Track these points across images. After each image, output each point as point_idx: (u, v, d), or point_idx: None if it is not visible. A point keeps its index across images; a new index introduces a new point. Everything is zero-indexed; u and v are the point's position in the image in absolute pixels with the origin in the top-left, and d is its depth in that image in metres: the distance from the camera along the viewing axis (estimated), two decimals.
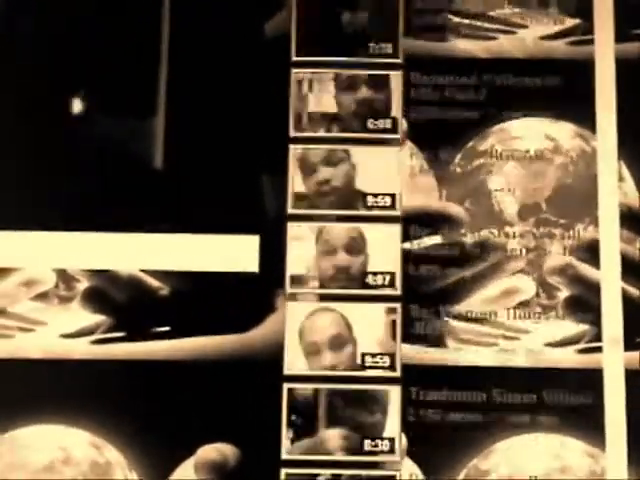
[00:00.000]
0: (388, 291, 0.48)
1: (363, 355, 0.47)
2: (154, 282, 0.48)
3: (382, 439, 0.46)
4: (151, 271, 0.48)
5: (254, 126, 0.49)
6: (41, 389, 0.47)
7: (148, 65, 0.50)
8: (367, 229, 0.48)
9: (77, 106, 0.50)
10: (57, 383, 0.47)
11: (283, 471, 0.46)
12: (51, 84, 0.50)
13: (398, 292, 0.48)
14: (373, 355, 0.47)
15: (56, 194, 0.49)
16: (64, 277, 0.48)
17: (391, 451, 0.46)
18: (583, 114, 0.49)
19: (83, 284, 0.48)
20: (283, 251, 0.48)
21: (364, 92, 0.49)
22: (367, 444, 0.46)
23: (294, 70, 0.49)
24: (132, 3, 0.50)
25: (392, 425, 0.46)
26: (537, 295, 0.48)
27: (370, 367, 0.47)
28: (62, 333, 0.48)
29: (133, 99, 0.50)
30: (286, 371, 0.47)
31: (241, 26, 0.50)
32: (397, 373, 0.47)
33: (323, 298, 0.48)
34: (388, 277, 0.47)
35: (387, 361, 0.47)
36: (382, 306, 0.47)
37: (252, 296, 0.48)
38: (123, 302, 0.48)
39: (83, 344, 0.48)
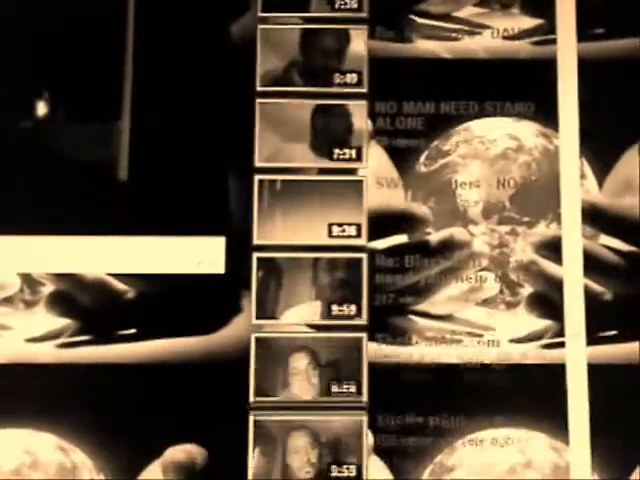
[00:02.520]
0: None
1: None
2: (120, 285, 0.48)
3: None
4: (117, 274, 0.48)
5: (219, 127, 0.49)
6: (7, 393, 0.47)
7: (113, 68, 0.50)
8: None
9: (41, 110, 0.50)
10: (23, 387, 0.47)
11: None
12: (15, 87, 0.50)
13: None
14: None
15: (20, 198, 0.49)
16: (29, 281, 0.48)
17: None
18: (545, 113, 0.49)
19: (48, 288, 0.48)
20: (249, 252, 0.48)
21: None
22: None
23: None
24: (97, 4, 0.50)
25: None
26: (501, 292, 0.48)
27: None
28: (28, 337, 0.48)
29: (98, 103, 0.50)
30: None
31: (207, 28, 0.50)
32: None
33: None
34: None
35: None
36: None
37: (218, 298, 0.48)
38: (89, 305, 0.48)
39: (49, 348, 0.47)
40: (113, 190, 0.49)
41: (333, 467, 0.46)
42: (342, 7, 0.50)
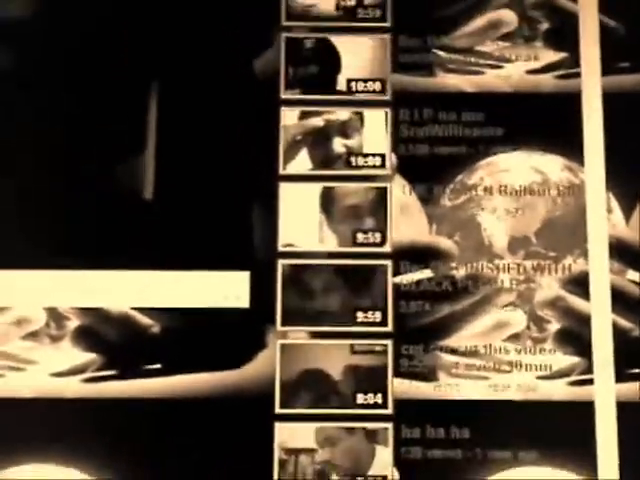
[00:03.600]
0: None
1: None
2: (145, 319, 0.48)
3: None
4: (141, 308, 0.48)
5: (244, 161, 0.49)
6: (32, 428, 0.47)
7: (138, 100, 0.50)
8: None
9: (66, 142, 0.50)
10: (48, 422, 0.47)
11: None
12: (38, 120, 0.50)
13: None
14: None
15: (46, 232, 0.49)
16: (54, 315, 0.48)
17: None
18: (571, 147, 0.49)
19: (74, 322, 0.48)
20: (274, 287, 0.48)
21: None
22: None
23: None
24: (122, 37, 0.50)
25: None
26: (528, 328, 0.48)
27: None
28: (53, 372, 0.48)
29: (123, 136, 0.50)
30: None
31: (230, 62, 0.50)
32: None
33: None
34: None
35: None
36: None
37: (243, 332, 0.48)
38: (114, 340, 0.48)
39: (74, 383, 0.47)
40: (138, 225, 0.49)
41: None
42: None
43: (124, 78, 0.50)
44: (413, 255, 0.48)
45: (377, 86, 0.49)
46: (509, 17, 0.51)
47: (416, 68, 0.50)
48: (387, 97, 0.50)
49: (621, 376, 0.47)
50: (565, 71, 0.50)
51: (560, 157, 0.49)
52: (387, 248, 0.48)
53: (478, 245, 0.48)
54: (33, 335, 0.48)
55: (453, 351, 0.47)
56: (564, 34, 0.50)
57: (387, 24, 0.50)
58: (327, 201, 0.49)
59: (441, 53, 0.50)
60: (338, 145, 0.49)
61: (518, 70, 0.50)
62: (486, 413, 0.47)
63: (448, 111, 0.50)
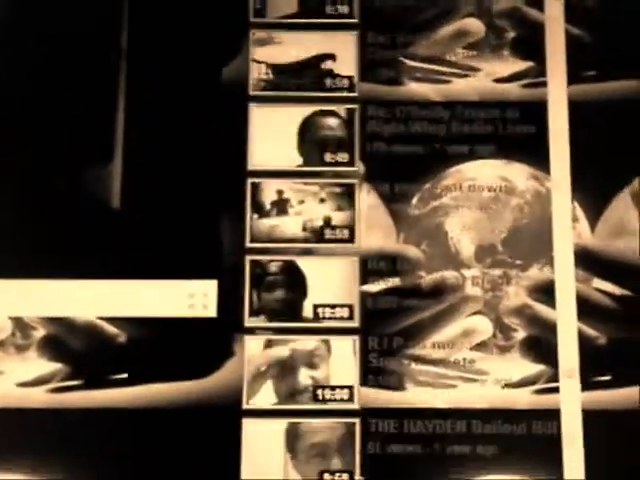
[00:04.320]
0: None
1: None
2: (111, 329, 0.48)
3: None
4: (108, 318, 0.48)
5: (211, 170, 0.49)
6: None
7: (104, 109, 0.50)
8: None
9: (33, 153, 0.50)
10: (14, 432, 0.47)
11: None
12: (6, 132, 0.50)
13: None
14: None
15: (12, 241, 0.48)
16: (20, 325, 0.48)
17: None
18: (537, 155, 0.49)
19: (40, 332, 0.48)
20: (241, 295, 0.48)
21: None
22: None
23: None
24: (89, 47, 0.50)
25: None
26: (494, 336, 0.48)
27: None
28: (19, 382, 0.47)
29: (90, 145, 0.50)
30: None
31: (198, 70, 0.50)
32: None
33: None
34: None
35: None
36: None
37: (210, 341, 0.48)
38: (80, 350, 0.48)
39: (40, 393, 0.47)
40: (105, 234, 0.49)
41: None
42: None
43: (91, 87, 0.50)
44: (381, 263, 0.48)
45: (345, 312, 0.48)
46: (476, 26, 0.51)
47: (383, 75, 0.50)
48: (355, 324, 0.48)
49: (587, 384, 0.47)
50: (531, 80, 0.50)
51: (526, 166, 0.49)
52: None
53: (445, 253, 0.48)
54: None
55: (420, 359, 0.47)
56: (530, 43, 0.51)
57: (355, 245, 0.48)
58: (292, 439, 0.47)
59: (408, 61, 0.50)
60: (305, 377, 0.47)
61: (485, 79, 0.50)
62: (451, 421, 0.47)
63: (415, 119, 0.49)
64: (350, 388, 0.47)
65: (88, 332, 0.48)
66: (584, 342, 0.47)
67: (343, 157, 0.49)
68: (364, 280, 0.48)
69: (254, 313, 0.47)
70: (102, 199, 0.49)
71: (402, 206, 0.49)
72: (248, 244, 0.48)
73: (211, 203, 0.49)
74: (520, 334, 0.48)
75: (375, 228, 0.48)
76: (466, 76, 0.50)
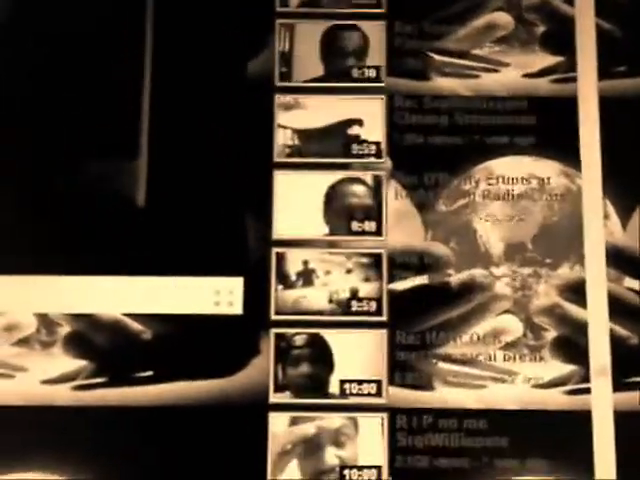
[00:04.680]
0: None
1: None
2: (136, 326, 0.48)
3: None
4: (133, 315, 0.48)
5: (237, 166, 0.49)
6: (22, 436, 0.46)
7: (131, 106, 0.49)
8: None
9: (59, 147, 0.49)
10: (38, 430, 0.47)
11: None
12: (33, 126, 0.49)
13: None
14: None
15: (37, 238, 0.48)
16: (45, 322, 0.48)
17: None
18: (568, 152, 0.49)
19: (65, 329, 0.48)
20: (267, 292, 0.47)
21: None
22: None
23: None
24: (115, 43, 0.50)
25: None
26: (524, 336, 0.47)
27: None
28: (43, 379, 0.47)
29: (116, 141, 0.49)
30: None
31: (224, 65, 0.50)
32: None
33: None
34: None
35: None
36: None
37: (236, 339, 0.47)
38: (105, 347, 0.47)
39: (65, 390, 0.47)
40: (130, 229, 0.49)
41: None
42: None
43: (116, 85, 0.50)
44: (408, 261, 0.48)
45: (373, 388, 0.47)
46: (505, 20, 0.50)
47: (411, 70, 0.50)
48: (383, 401, 0.47)
49: (619, 385, 0.46)
50: (561, 75, 0.50)
51: (556, 162, 0.49)
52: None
53: (474, 252, 0.48)
54: (23, 341, 0.48)
55: (449, 359, 0.47)
56: (560, 38, 0.50)
57: (383, 318, 0.48)
58: None
59: (436, 56, 0.50)
60: (331, 456, 0.46)
61: (514, 74, 0.49)
62: (482, 422, 0.46)
63: (443, 114, 0.49)
64: (378, 468, 0.46)
65: (113, 329, 0.47)
66: (616, 342, 0.47)
67: (370, 226, 0.48)
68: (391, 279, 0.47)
69: (279, 389, 0.47)
70: (127, 196, 0.49)
71: (430, 204, 0.48)
72: (273, 316, 0.47)
73: (237, 198, 0.48)
74: (551, 334, 0.47)
75: (403, 226, 0.48)
76: (495, 71, 0.50)
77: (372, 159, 0.49)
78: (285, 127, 0.49)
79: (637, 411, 0.46)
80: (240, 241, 0.48)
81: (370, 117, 0.49)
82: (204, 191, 0.49)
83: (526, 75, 0.50)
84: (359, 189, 0.48)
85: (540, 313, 0.47)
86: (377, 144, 0.49)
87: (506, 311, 0.47)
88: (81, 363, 0.47)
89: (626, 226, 0.48)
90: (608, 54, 0.50)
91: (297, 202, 0.48)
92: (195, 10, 0.51)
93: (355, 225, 0.48)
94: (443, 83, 0.50)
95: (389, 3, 0.50)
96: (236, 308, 0.48)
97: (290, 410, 0.47)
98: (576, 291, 0.47)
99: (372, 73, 0.50)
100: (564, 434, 0.46)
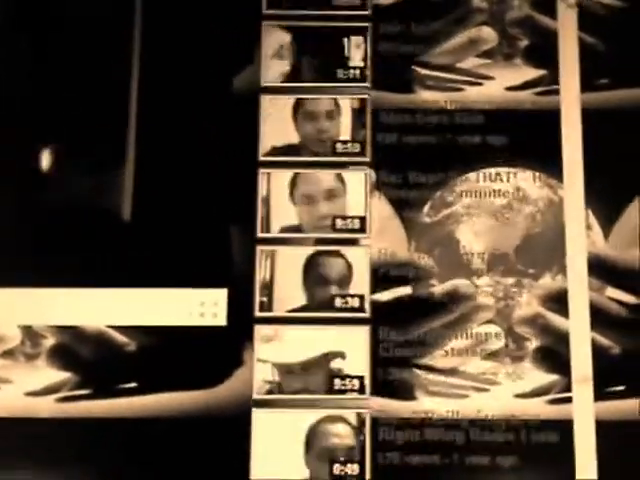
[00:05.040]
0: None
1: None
2: (121, 338, 0.48)
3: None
4: (117, 327, 0.48)
5: (222, 179, 0.49)
6: (6, 448, 0.46)
7: (117, 117, 0.50)
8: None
9: (45, 160, 0.50)
10: (22, 442, 0.47)
11: None
12: (18, 138, 0.50)
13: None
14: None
15: (21, 250, 0.48)
16: (30, 334, 0.48)
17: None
18: (550, 164, 0.49)
19: (49, 341, 0.48)
20: (251, 303, 0.47)
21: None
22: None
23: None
24: (101, 55, 0.50)
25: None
26: (506, 345, 0.47)
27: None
28: (28, 391, 0.47)
29: (101, 152, 0.50)
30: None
31: (210, 79, 0.50)
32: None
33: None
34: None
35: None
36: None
37: (220, 350, 0.47)
38: (89, 359, 0.47)
39: (49, 402, 0.47)
40: (115, 240, 0.49)
41: None
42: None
43: (103, 99, 0.50)
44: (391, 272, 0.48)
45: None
46: (489, 34, 0.51)
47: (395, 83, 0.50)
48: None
49: (600, 394, 0.46)
50: (544, 88, 0.50)
51: (539, 174, 0.49)
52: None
53: (457, 262, 0.48)
54: (8, 354, 0.47)
55: (431, 369, 0.47)
56: (543, 51, 0.50)
57: None
58: None
59: (420, 69, 0.50)
60: None
61: (498, 87, 0.50)
62: (463, 431, 0.46)
63: (427, 127, 0.49)
64: None
65: (98, 341, 0.47)
66: (597, 352, 0.47)
67: (353, 469, 0.47)
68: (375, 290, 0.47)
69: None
70: (113, 208, 0.49)
71: (414, 215, 0.48)
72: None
73: (222, 210, 0.48)
74: (533, 344, 0.47)
75: (386, 237, 0.48)
76: (478, 84, 0.50)
77: (355, 395, 0.47)
78: (264, 361, 0.48)
79: (618, 420, 0.46)
80: (225, 253, 0.48)
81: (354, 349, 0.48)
82: (188, 204, 0.49)
83: (509, 88, 0.50)
84: (341, 428, 0.47)
85: (522, 323, 0.47)
86: (360, 378, 0.47)
87: (489, 321, 0.47)
88: (65, 375, 0.47)
89: (608, 236, 0.48)
90: (590, 67, 0.50)
91: (276, 443, 0.47)
92: (183, 19, 0.51)
93: (337, 469, 0.47)
94: (426, 96, 0.50)
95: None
96: (220, 319, 0.48)
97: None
98: (558, 301, 0.47)
99: (356, 302, 0.48)
100: (546, 443, 0.46)
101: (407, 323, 0.47)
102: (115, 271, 0.48)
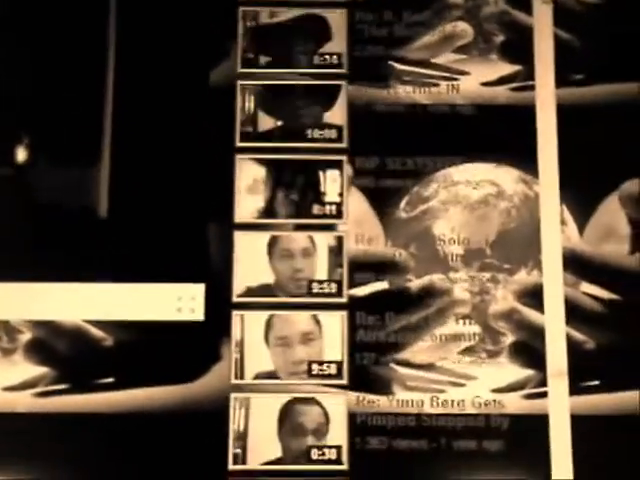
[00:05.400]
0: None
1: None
2: (98, 332, 0.47)
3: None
4: (94, 321, 0.48)
5: (199, 173, 0.49)
6: None
7: (92, 112, 0.49)
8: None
9: (20, 155, 0.49)
10: (0, 437, 0.46)
11: None
12: None
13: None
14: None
15: None
16: (6, 328, 0.48)
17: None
18: (526, 159, 0.49)
19: (26, 335, 0.48)
20: (229, 299, 0.48)
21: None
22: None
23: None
24: (76, 49, 0.50)
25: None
26: (482, 341, 0.48)
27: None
28: (5, 386, 0.47)
29: (77, 147, 0.49)
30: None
31: (186, 74, 0.50)
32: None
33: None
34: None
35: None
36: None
37: (197, 345, 0.47)
38: (66, 353, 0.47)
39: (26, 397, 0.47)
40: (92, 235, 0.49)
41: None
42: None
43: (79, 92, 0.50)
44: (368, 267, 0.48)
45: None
46: (465, 30, 0.51)
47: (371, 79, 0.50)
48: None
49: (575, 389, 0.47)
50: (520, 83, 0.50)
51: (514, 169, 0.49)
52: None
53: (433, 257, 0.48)
54: None
55: (407, 364, 0.47)
56: (519, 47, 0.51)
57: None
58: None
59: (397, 65, 0.50)
60: None
61: (473, 82, 0.50)
62: (440, 425, 0.47)
63: (403, 122, 0.49)
64: None
65: (74, 336, 0.47)
66: (572, 347, 0.47)
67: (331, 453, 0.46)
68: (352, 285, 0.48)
69: None
70: (89, 203, 0.49)
71: (390, 210, 0.48)
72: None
73: (198, 206, 0.48)
74: (509, 338, 0.48)
75: (363, 231, 0.48)
76: (454, 79, 0.50)
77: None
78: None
79: (593, 415, 0.47)
80: (202, 248, 0.48)
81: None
82: (165, 199, 0.49)
83: (485, 84, 0.50)
84: None
85: (498, 318, 0.48)
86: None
87: (465, 316, 0.48)
88: (42, 370, 0.47)
89: (583, 232, 0.49)
90: (566, 63, 0.50)
91: None
92: (160, 12, 0.51)
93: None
94: (402, 91, 0.50)
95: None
96: (197, 314, 0.48)
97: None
98: (533, 296, 0.48)
99: (333, 454, 0.47)
100: (522, 437, 0.47)
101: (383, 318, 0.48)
102: (92, 266, 0.48)
